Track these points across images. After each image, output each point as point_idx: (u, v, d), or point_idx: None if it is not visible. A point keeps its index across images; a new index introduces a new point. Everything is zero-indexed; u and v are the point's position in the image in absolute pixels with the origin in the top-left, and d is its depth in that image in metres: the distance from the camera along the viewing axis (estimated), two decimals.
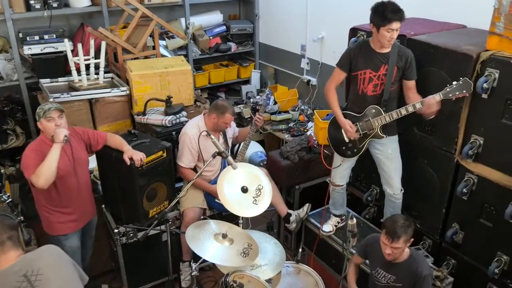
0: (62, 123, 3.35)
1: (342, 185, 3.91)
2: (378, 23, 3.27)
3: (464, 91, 3.10)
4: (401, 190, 3.70)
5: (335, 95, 3.65)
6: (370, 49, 3.44)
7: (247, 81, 6.94)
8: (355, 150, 3.68)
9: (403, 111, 3.36)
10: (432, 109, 3.27)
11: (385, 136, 3.54)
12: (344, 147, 3.72)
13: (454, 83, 3.12)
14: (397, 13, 3.20)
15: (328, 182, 4.01)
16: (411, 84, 3.45)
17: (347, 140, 3.67)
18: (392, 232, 2.95)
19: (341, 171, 3.86)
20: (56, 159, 3.22)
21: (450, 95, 3.14)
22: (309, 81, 5.93)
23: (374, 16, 3.29)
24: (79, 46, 4.72)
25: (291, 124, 5.71)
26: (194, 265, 3.35)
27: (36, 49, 5.12)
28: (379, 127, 3.51)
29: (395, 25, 3.22)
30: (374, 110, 3.50)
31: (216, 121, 4.07)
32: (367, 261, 3.44)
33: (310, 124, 5.55)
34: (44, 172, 3.17)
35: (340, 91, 3.77)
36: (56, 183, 3.35)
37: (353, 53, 3.51)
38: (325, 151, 4.18)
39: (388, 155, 3.62)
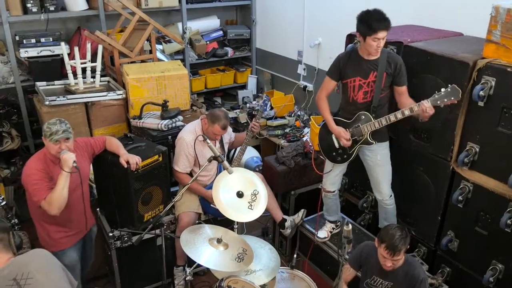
0: (68, 146, 3.20)
1: (333, 191, 3.91)
2: (364, 33, 3.26)
3: (452, 98, 3.09)
4: (391, 196, 3.70)
5: (326, 103, 3.65)
6: (359, 57, 3.43)
7: (243, 86, 6.94)
8: (345, 156, 3.68)
9: (392, 118, 3.36)
10: (429, 112, 3.23)
11: (374, 142, 3.55)
12: (334, 153, 3.72)
13: (443, 90, 3.12)
14: (382, 22, 3.18)
15: (321, 188, 4.01)
16: (402, 90, 3.45)
17: (337, 146, 3.68)
18: (392, 247, 2.93)
19: (332, 178, 3.85)
20: (67, 186, 3.13)
21: (439, 102, 3.14)
22: (305, 87, 5.94)
23: (359, 26, 3.28)
24: (76, 49, 4.71)
25: (287, 130, 5.71)
26: (188, 270, 3.34)
27: (32, 52, 5.13)
28: (368, 133, 3.51)
29: (381, 34, 3.20)
30: (364, 117, 3.51)
31: (207, 128, 4.06)
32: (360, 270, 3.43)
33: (306, 130, 5.56)
34: (57, 201, 3.09)
35: (337, 98, 3.77)
36: None
37: (342, 62, 3.51)
38: (320, 156, 4.18)
39: (377, 162, 3.63)
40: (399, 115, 3.33)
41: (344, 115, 3.63)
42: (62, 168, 3.13)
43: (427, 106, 3.18)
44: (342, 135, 3.56)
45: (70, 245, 3.51)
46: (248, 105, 6.36)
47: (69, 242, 3.50)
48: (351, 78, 3.47)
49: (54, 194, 3.10)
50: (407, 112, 3.29)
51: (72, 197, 3.29)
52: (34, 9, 5.08)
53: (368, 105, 3.48)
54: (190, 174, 4.17)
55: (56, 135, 3.13)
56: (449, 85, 3.10)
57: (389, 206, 3.73)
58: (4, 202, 3.96)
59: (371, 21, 3.18)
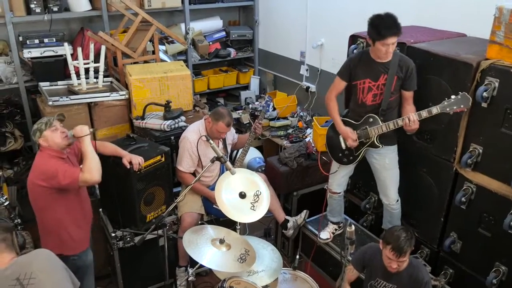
0: (64, 129, 3.20)
1: (339, 193, 3.90)
2: (373, 37, 3.24)
3: (462, 106, 3.07)
4: (397, 200, 3.69)
5: (336, 104, 3.64)
6: (370, 59, 3.41)
7: (246, 87, 6.95)
8: (351, 157, 3.67)
9: (400, 122, 3.34)
10: (412, 126, 3.28)
11: (381, 146, 3.53)
12: (340, 154, 3.71)
13: (453, 97, 3.10)
14: (391, 29, 3.16)
15: (326, 189, 4.00)
16: (408, 95, 3.43)
17: (344, 147, 3.67)
18: (398, 248, 2.93)
19: (338, 179, 3.85)
20: (94, 150, 3.18)
21: (448, 109, 3.11)
22: (308, 87, 5.94)
23: (370, 30, 3.26)
24: (79, 50, 4.71)
25: (289, 131, 5.71)
26: (190, 270, 3.34)
27: (36, 52, 5.13)
28: (375, 136, 3.50)
29: (390, 40, 3.18)
30: (371, 119, 3.49)
31: (211, 127, 4.06)
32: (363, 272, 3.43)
33: (308, 130, 5.55)
34: (95, 166, 3.10)
35: (340, 99, 3.77)
36: (80, 192, 3.26)
37: (353, 63, 3.49)
38: (323, 157, 4.17)
39: (385, 165, 3.61)
40: (407, 120, 3.31)
41: (352, 117, 3.62)
42: (79, 137, 3.16)
43: (411, 120, 3.25)
44: (349, 135, 3.54)
45: (89, 243, 3.49)
46: (250, 105, 6.37)
47: (87, 239, 3.48)
48: (361, 80, 3.45)
49: (89, 161, 3.12)
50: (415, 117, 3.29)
51: (84, 191, 3.35)
52: (38, 10, 5.09)
53: (377, 108, 3.46)
54: (194, 175, 4.16)
55: (51, 120, 3.16)
56: (460, 93, 3.07)
57: (395, 210, 3.71)
58: (7, 202, 3.96)
59: (381, 27, 3.16)
